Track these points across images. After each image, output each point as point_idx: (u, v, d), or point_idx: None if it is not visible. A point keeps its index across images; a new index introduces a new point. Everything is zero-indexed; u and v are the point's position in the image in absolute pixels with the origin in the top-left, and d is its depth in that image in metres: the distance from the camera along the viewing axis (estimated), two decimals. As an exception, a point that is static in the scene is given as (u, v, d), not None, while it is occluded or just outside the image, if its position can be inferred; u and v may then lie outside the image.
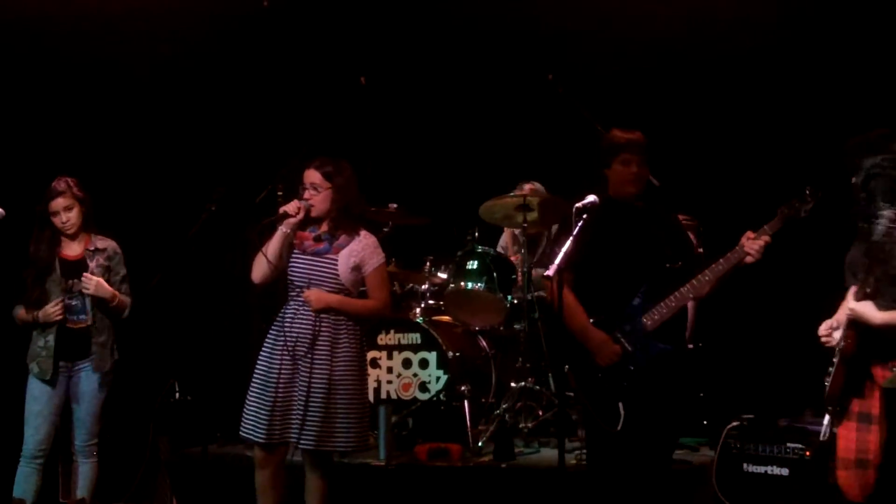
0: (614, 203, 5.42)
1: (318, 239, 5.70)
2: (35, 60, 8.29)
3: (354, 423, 5.64)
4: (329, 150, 5.94)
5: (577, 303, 5.39)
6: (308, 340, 5.60)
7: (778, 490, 6.16)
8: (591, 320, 5.37)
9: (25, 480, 6.19)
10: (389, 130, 8.79)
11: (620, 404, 5.31)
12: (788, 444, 6.20)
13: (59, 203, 6.17)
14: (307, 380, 5.55)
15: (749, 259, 5.21)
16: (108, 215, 6.69)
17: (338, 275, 5.65)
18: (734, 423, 6.45)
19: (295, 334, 5.60)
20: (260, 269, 5.70)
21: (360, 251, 5.71)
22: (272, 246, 5.64)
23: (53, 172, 6.43)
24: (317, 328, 5.60)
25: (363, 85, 7.74)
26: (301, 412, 5.54)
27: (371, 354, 7.59)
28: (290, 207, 5.64)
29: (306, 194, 5.68)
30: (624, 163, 5.42)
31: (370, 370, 7.48)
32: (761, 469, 6.25)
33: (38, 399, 6.19)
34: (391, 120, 8.76)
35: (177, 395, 7.33)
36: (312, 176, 5.69)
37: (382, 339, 7.73)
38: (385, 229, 7.85)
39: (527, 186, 7.79)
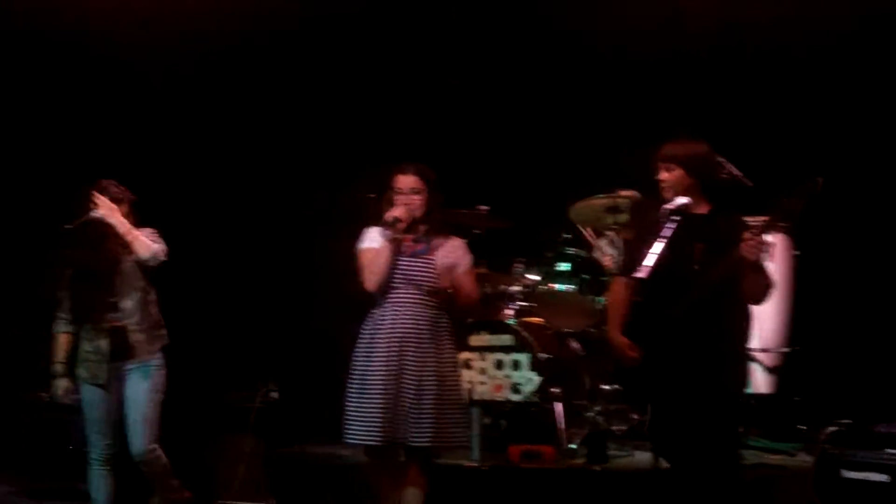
0: (659, 208, 5.42)
1: (416, 241, 5.80)
2: (105, 69, 8.44)
3: (462, 418, 5.76)
4: (417, 152, 6.03)
5: (617, 305, 5.51)
6: (414, 339, 5.65)
7: (878, 496, 6.05)
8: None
9: (98, 484, 6.18)
10: (480, 132, 8.79)
11: (649, 406, 5.46)
12: (887, 450, 6.09)
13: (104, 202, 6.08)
14: (417, 378, 5.60)
15: (747, 257, 5.11)
16: (200, 219, 6.86)
17: (436, 274, 5.74)
18: (831, 429, 6.35)
19: (399, 334, 5.66)
20: (376, 277, 5.73)
21: (454, 251, 5.82)
22: (386, 252, 5.71)
23: (140, 182, 6.46)
24: (420, 327, 5.68)
25: (454, 87, 7.86)
26: (416, 410, 5.58)
27: (463, 356, 7.53)
28: (399, 213, 5.71)
29: (405, 199, 5.75)
30: (657, 171, 5.46)
31: (463, 371, 7.31)
32: (860, 475, 6.13)
33: (96, 405, 6.12)
34: (482, 122, 8.76)
35: (274, 395, 7.35)
36: (411, 181, 5.77)
37: (475, 340, 7.68)
38: (475, 231, 7.77)
39: (623, 194, 7.73)
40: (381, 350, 5.65)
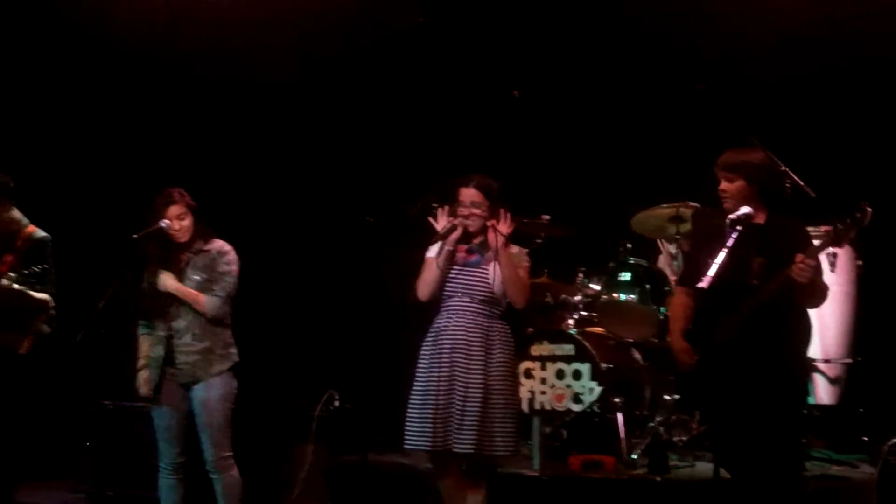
0: (721, 217, 5.40)
1: (470, 251, 5.89)
2: (190, 81, 8.55)
3: (511, 427, 5.75)
4: (481, 161, 6.13)
5: (678, 315, 5.51)
6: (464, 348, 5.74)
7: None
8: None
9: (168, 492, 6.20)
10: (542, 142, 8.75)
11: (699, 414, 5.52)
12: (951, 462, 6.04)
13: (171, 211, 6.13)
14: (465, 386, 5.68)
15: (797, 280, 5.08)
16: (265, 228, 6.89)
17: (490, 284, 5.80)
18: (895, 440, 6.29)
19: (450, 342, 5.76)
20: (428, 286, 5.85)
21: (510, 259, 5.86)
22: (437, 262, 5.82)
23: (209, 193, 6.49)
24: (472, 335, 5.76)
25: (516, 98, 7.80)
26: (460, 417, 5.66)
27: (525, 365, 7.62)
28: (451, 224, 5.85)
29: (466, 211, 5.84)
30: (718, 180, 5.42)
31: (524, 381, 7.56)
32: (924, 487, 6.10)
33: (162, 414, 6.13)
34: (544, 131, 8.73)
35: (336, 403, 7.43)
36: (473, 195, 5.85)
37: (536, 349, 7.71)
38: (537, 240, 7.80)
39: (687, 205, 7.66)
40: (434, 358, 5.78)
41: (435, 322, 5.87)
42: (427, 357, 5.82)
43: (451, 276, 5.85)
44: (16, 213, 6.38)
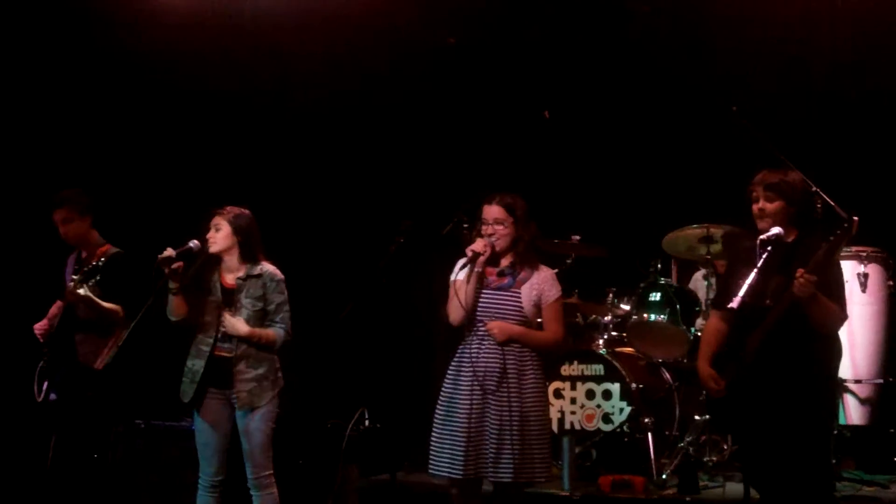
0: (753, 238, 5.41)
1: (501, 274, 5.72)
2: (224, 100, 8.66)
3: (547, 452, 5.67)
4: (511, 182, 6.01)
5: (709, 336, 5.51)
6: (497, 374, 5.60)
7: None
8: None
9: None
10: (572, 162, 8.77)
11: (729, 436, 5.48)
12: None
13: (213, 221, 6.11)
14: (498, 413, 5.56)
15: (798, 295, 5.09)
16: (298, 247, 6.92)
17: (522, 308, 5.68)
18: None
19: (483, 368, 5.61)
20: (458, 311, 5.68)
21: (539, 284, 5.73)
22: (469, 287, 5.64)
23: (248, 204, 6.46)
24: (504, 361, 5.61)
25: (546, 118, 7.86)
26: (496, 445, 5.54)
27: (554, 385, 7.63)
28: (479, 246, 5.66)
29: (489, 230, 5.69)
30: (753, 199, 5.41)
31: (553, 400, 7.56)
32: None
33: (202, 431, 6.06)
34: (574, 152, 8.73)
35: (366, 422, 7.38)
36: (495, 212, 5.70)
37: (566, 369, 7.70)
38: (567, 261, 7.83)
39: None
40: (465, 384, 5.64)
41: (463, 346, 5.74)
42: (453, 382, 5.69)
43: (483, 300, 5.69)
44: (94, 232, 6.64)
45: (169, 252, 5.85)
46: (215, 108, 8.69)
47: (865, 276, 7.14)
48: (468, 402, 5.59)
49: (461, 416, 5.58)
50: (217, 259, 6.08)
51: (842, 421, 7.19)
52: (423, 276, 7.76)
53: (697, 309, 7.59)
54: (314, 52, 8.54)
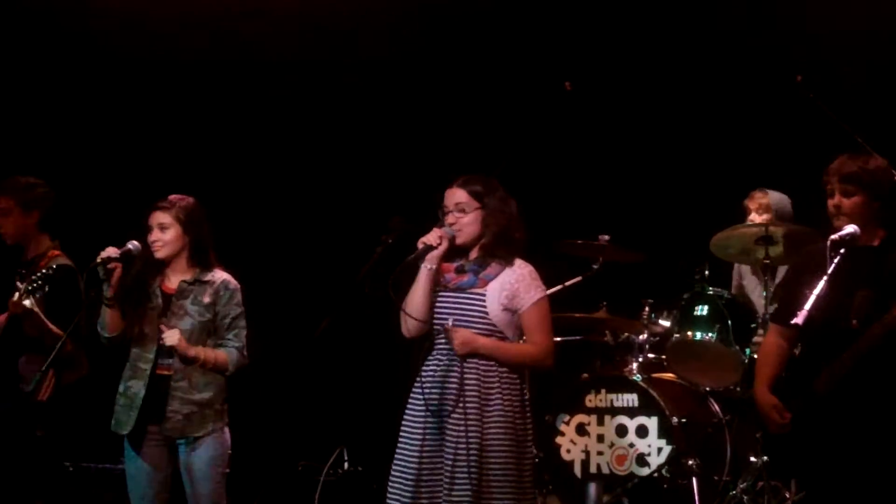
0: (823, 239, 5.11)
1: (460, 270, 5.24)
2: (222, 96, 8.44)
3: (513, 497, 5.13)
4: (525, 170, 5.84)
5: (768, 357, 5.19)
6: (453, 395, 5.11)
7: None
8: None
9: None
10: (600, 147, 8.33)
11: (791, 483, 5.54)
12: None
13: (155, 217, 5.61)
14: (453, 443, 5.08)
15: None
16: (266, 250, 6.78)
17: (486, 313, 5.18)
18: None
19: (439, 388, 5.15)
20: (409, 317, 5.22)
21: (513, 283, 5.20)
22: (418, 290, 5.20)
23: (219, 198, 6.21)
24: (461, 379, 5.11)
25: (568, 91, 7.21)
26: (448, 480, 5.07)
27: (578, 419, 7.17)
28: (431, 238, 5.17)
29: (450, 218, 5.23)
30: (828, 193, 5.06)
31: (577, 438, 7.12)
32: None
33: (136, 476, 5.50)
34: (602, 134, 8.30)
35: (345, 465, 7.17)
36: (457, 195, 5.24)
37: (591, 400, 7.17)
38: (594, 266, 7.37)
39: (757, 195, 7.22)
40: (420, 408, 5.18)
41: (425, 363, 5.25)
42: (412, 404, 5.23)
43: (438, 303, 5.21)
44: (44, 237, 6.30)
45: (110, 251, 5.36)
46: (151, 77, 8.38)
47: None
48: (421, 429, 5.16)
49: (413, 445, 5.16)
50: (160, 262, 5.60)
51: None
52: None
53: (753, 326, 7.03)
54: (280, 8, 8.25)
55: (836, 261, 4.83)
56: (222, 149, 8.48)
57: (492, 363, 5.14)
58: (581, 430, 7.11)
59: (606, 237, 7.34)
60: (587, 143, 8.28)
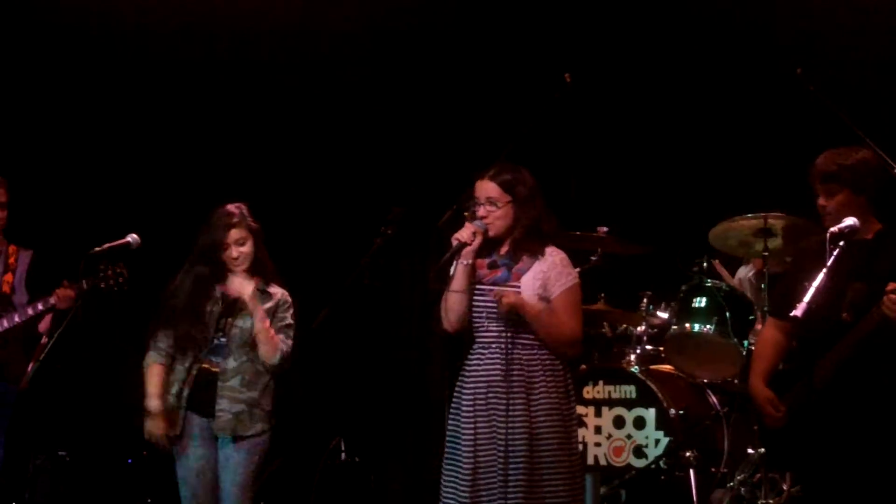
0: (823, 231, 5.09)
1: (493, 266, 5.25)
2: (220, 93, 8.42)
3: (566, 483, 5.17)
4: (524, 159, 5.57)
5: (764, 350, 5.24)
6: (500, 387, 5.12)
7: None
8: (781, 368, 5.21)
9: None
10: (599, 139, 8.32)
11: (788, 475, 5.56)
12: None
13: (236, 233, 5.61)
14: (503, 435, 5.09)
15: (888, 315, 4.74)
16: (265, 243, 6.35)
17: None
18: None
19: (484, 382, 5.16)
20: (449, 313, 5.23)
21: (545, 271, 5.23)
22: (456, 286, 5.20)
23: (211, 196, 6.09)
24: (506, 369, 5.12)
25: (568, 84, 7.04)
26: (501, 474, 5.08)
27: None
28: (465, 234, 5.16)
29: (481, 211, 5.23)
30: (815, 193, 5.12)
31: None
32: None
33: (185, 479, 5.48)
34: (601, 127, 8.30)
35: (342, 455, 7.14)
36: (489, 189, 5.21)
37: (589, 391, 7.19)
38: (592, 258, 7.29)
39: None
40: (466, 402, 5.19)
41: (467, 358, 5.27)
42: (457, 401, 5.25)
43: (475, 298, 5.21)
44: None
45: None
46: (164, 80, 8.36)
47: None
48: (472, 426, 5.15)
49: (465, 443, 5.14)
50: (225, 270, 5.62)
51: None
52: (416, 276, 7.61)
53: (752, 318, 7.06)
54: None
55: (835, 253, 4.81)
56: (220, 142, 8.44)
57: (534, 351, 5.14)
58: (579, 421, 6.84)
59: (604, 229, 7.31)
60: (586, 135, 8.23)
